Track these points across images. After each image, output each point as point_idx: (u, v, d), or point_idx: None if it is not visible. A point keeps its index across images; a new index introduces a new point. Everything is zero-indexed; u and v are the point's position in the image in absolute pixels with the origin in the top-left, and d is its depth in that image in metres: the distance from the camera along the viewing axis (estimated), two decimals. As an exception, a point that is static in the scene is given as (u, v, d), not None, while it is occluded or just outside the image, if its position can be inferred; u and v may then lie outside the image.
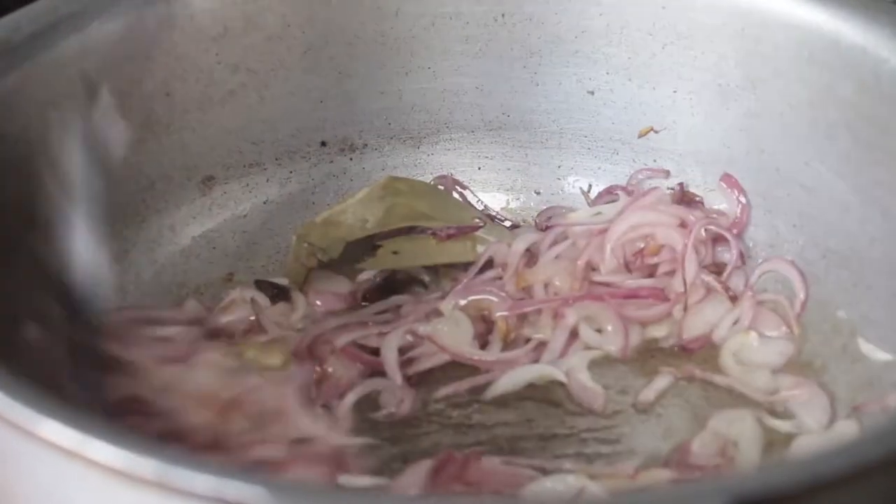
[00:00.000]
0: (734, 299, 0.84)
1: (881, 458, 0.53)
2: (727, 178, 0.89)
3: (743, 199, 0.88)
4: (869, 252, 0.81)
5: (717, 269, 0.87)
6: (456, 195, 0.95)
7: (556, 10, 0.91)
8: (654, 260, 0.86)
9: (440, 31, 0.92)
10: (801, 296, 0.84)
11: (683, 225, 0.87)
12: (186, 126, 0.87)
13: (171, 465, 0.51)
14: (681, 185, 0.90)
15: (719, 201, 0.89)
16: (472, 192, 0.95)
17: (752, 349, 0.82)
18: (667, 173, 0.92)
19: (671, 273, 0.86)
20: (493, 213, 0.94)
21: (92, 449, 0.53)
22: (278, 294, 0.86)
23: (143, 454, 0.52)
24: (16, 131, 0.76)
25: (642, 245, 0.87)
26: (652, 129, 0.92)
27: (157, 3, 0.83)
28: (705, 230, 0.86)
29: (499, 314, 0.84)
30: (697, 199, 0.90)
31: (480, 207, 0.94)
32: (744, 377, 0.80)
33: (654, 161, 0.92)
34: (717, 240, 0.87)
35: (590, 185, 0.94)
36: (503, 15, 0.91)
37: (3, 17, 0.79)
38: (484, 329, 0.84)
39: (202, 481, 0.51)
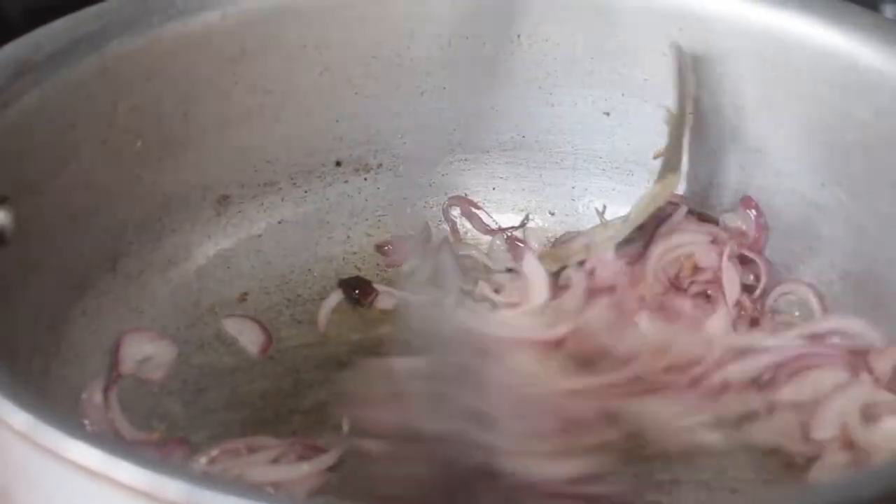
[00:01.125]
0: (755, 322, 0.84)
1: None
2: (747, 200, 0.88)
3: (761, 221, 0.87)
4: (887, 274, 0.81)
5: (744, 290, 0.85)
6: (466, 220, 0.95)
7: (571, 31, 0.91)
8: (695, 278, 0.85)
9: (456, 51, 0.91)
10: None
11: (715, 242, 0.86)
12: (203, 146, 0.87)
13: (198, 487, 0.51)
14: (694, 207, 0.90)
15: (735, 223, 0.89)
16: (486, 212, 0.95)
17: None
18: (681, 195, 0.92)
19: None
20: (509, 234, 0.94)
21: (118, 470, 0.52)
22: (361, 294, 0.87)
23: (170, 476, 0.52)
24: (36, 150, 0.76)
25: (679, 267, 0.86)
26: (667, 151, 0.92)
27: (175, 23, 0.83)
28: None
29: None
30: (714, 220, 0.89)
31: (494, 227, 0.94)
32: None
33: (670, 182, 0.92)
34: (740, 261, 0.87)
35: (604, 206, 0.94)
36: (519, 36, 0.91)
37: (23, 37, 0.79)
38: None
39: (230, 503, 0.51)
